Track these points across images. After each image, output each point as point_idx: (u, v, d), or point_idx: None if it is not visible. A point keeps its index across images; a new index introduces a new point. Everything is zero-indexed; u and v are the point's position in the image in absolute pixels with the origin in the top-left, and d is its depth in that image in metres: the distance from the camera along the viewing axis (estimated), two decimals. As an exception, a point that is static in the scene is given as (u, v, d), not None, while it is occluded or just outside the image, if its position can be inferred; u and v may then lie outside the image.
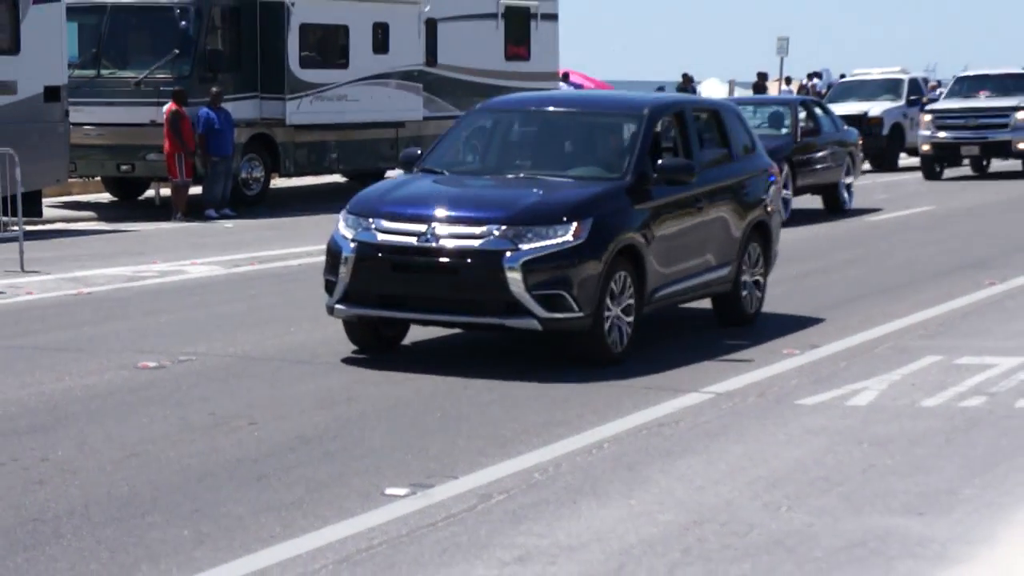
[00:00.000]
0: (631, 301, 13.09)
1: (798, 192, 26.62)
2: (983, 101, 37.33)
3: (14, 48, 25.23)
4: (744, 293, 15.11)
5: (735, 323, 15.16)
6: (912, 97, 41.37)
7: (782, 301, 17.02)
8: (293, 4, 29.81)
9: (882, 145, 39.49)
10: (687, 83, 53.66)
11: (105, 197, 31.23)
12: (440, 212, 12.90)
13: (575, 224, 12.65)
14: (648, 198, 13.58)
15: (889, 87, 42.34)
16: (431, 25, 33.48)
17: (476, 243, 12.61)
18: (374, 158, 32.88)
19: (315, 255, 21.67)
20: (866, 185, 34.23)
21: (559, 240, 12.58)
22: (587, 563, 7.78)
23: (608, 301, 12.80)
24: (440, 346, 14.16)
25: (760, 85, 57.58)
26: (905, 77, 43.43)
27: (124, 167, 28.99)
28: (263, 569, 7.65)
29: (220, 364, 13.23)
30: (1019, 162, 37.40)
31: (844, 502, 8.95)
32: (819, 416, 11.22)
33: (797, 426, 10.89)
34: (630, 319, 13.11)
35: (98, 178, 30.91)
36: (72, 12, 27.24)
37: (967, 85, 38.97)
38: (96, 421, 11.01)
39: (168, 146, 27.06)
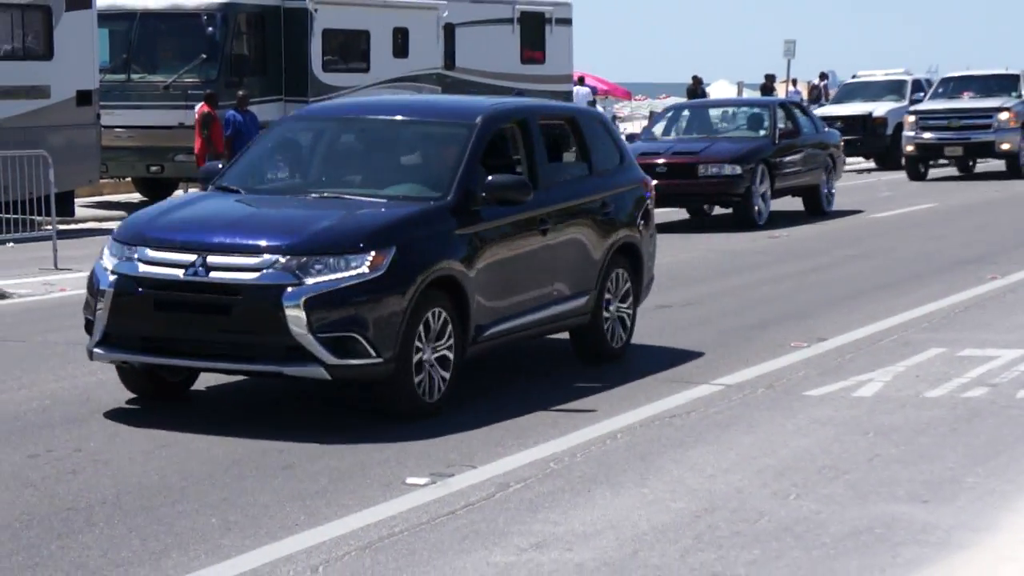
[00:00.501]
0: (452, 341, 10.90)
1: (777, 194, 25.77)
2: (967, 102, 36.52)
3: (48, 54, 25.32)
4: (607, 325, 12.84)
5: (595, 359, 12.90)
6: (915, 97, 41.19)
7: (790, 296, 17.01)
8: (316, 10, 29.85)
9: (886, 144, 39.22)
10: (697, 85, 53.57)
11: (135, 197, 31.27)
12: (215, 239, 10.69)
13: (373, 253, 10.43)
14: (475, 221, 11.32)
15: (893, 88, 42.22)
16: (449, 30, 33.54)
17: (252, 276, 10.36)
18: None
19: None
20: (871, 183, 34.29)
21: (352, 272, 10.36)
22: (602, 549, 7.77)
23: (418, 343, 10.57)
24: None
25: (768, 86, 57.47)
26: (908, 78, 43.33)
27: (153, 168, 29.09)
28: (288, 556, 7.64)
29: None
30: (1004, 162, 36.62)
31: (850, 490, 8.93)
32: (826, 407, 11.19)
33: (805, 416, 10.87)
34: (448, 365, 10.91)
35: (128, 179, 30.97)
36: (103, 19, 27.32)
37: (952, 86, 38.17)
38: (128, 413, 11.02)
39: (199, 146, 27.09)
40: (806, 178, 26.70)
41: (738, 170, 24.32)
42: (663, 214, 24.10)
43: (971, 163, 37.65)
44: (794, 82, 55.71)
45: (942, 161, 37.64)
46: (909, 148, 35.69)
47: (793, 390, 11.80)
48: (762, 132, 26.22)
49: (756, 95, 61.46)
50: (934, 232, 24.34)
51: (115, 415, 10.94)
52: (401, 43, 32.04)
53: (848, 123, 38.05)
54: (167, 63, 29.03)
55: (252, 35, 29.64)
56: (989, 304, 16.26)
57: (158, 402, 11.35)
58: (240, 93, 27.63)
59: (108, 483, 9.05)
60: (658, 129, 27.32)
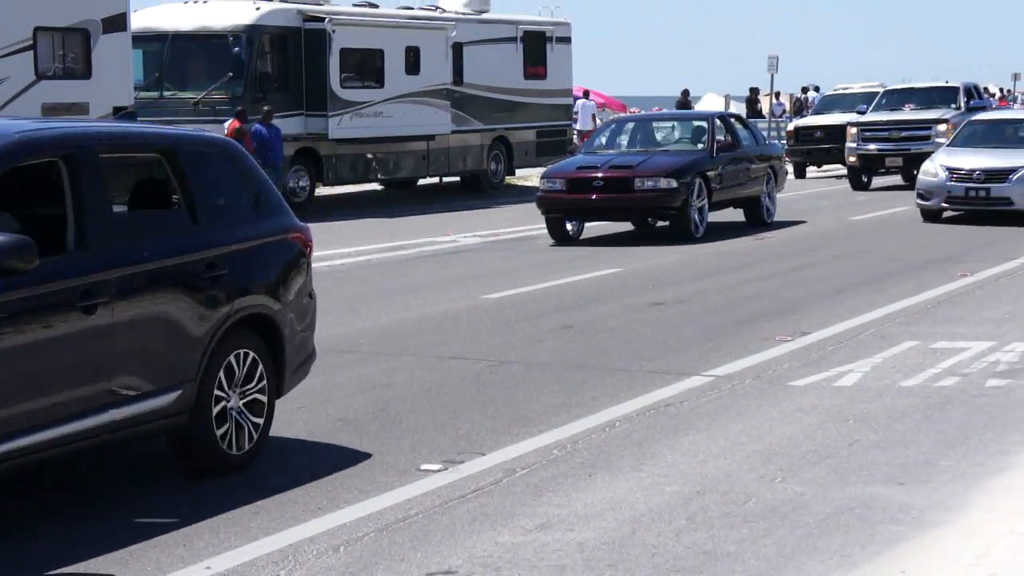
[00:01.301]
0: None
1: (716, 206, 24.25)
2: (907, 114, 34.88)
3: (87, 73, 25.35)
4: (220, 427, 8.84)
5: (205, 470, 8.94)
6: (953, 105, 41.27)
7: (775, 293, 17.00)
8: (334, 31, 29.86)
9: None
10: (686, 98, 53.56)
11: (168, 205, 31.23)
12: None
13: None
14: None
15: (868, 99, 42.20)
16: (457, 48, 33.57)
17: None
18: (408, 168, 32.99)
19: (354, 255, 21.83)
20: (833, 190, 34.20)
21: None
22: (602, 530, 7.78)
23: None
24: (467, 335, 14.14)
25: (752, 99, 57.39)
26: (882, 90, 43.37)
27: (184, 178, 29.05)
28: (312, 537, 7.65)
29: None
30: None
31: (832, 473, 8.93)
32: (809, 396, 11.19)
33: (789, 405, 10.87)
34: None
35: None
36: (137, 40, 27.33)
37: (894, 98, 36.61)
38: (161, 406, 11.01)
39: None
40: (746, 190, 25.37)
41: (674, 183, 22.70)
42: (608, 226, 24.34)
43: (915, 172, 36.10)
44: (777, 95, 55.72)
45: (884, 170, 35.70)
46: (852, 159, 34.29)
47: (778, 381, 11.80)
48: (700, 145, 24.71)
49: (742, 107, 61.52)
50: (908, 233, 24.34)
51: (150, 408, 10.94)
52: (413, 61, 32.06)
53: (827, 132, 37.93)
54: (197, 81, 29.03)
55: (275, 54, 29.64)
56: (959, 300, 16.26)
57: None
58: (265, 108, 27.65)
59: (143, 469, 9.05)
60: (600, 142, 25.79)
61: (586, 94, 50.81)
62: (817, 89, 57.84)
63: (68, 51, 25.24)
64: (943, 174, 24.78)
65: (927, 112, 34.43)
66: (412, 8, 34.25)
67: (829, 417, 10.47)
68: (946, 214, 25.28)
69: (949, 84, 37.06)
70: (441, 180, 36.34)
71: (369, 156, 31.55)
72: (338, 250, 22.35)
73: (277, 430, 10.06)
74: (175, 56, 29.09)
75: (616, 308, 15.97)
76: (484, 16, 35.30)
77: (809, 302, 16.17)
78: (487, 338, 14.04)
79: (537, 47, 36.54)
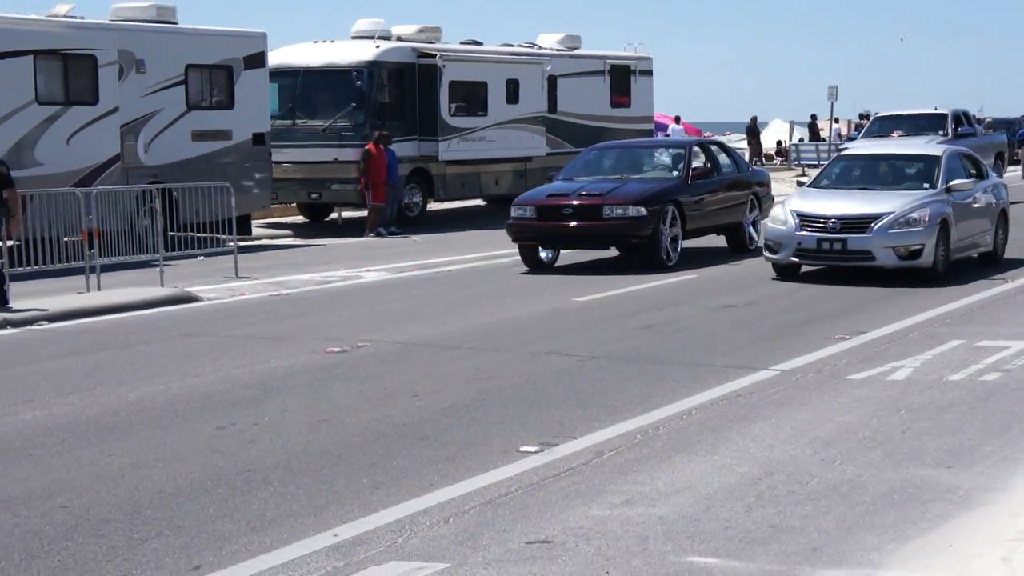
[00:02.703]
0: None
1: (692, 234, 21.28)
2: (895, 143, 30.86)
3: (230, 104, 25.68)
4: None
5: None
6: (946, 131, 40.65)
7: (834, 297, 16.84)
8: (444, 66, 29.99)
9: None
10: (754, 124, 53.30)
11: (299, 219, 31.57)
12: None
13: None
14: None
15: (934, 122, 41.75)
16: (552, 80, 33.62)
17: None
18: (508, 185, 33.04)
19: (461, 263, 21.89)
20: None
21: None
22: (680, 505, 7.74)
23: None
24: (560, 333, 14.13)
25: (813, 125, 56.98)
26: (948, 113, 42.89)
27: (314, 195, 29.36)
28: (425, 510, 7.67)
29: (390, 349, 13.31)
30: None
31: (886, 457, 8.83)
32: (865, 388, 11.08)
33: (847, 396, 10.76)
34: None
35: (294, 204, 31.27)
36: (273, 75, 27.63)
37: (883, 125, 32.97)
38: (294, 394, 11.13)
39: (365, 177, 27.30)
40: (726, 217, 22.42)
41: (643, 211, 19.86)
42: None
43: None
44: (836, 120, 55.21)
45: None
46: None
47: (838, 374, 11.69)
48: (675, 173, 21.60)
49: (805, 132, 61.01)
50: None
51: (286, 396, 11.06)
52: (513, 92, 32.12)
53: None
54: (324, 110, 29.25)
55: (392, 87, 29.80)
56: (1001, 303, 16.06)
57: (317, 385, 11.46)
58: (384, 134, 27.83)
59: (280, 450, 9.14)
60: (577, 169, 22.39)
61: (677, 119, 50.77)
62: (866, 117, 57.28)
63: (214, 85, 25.58)
64: (792, 221, 18.14)
65: (913, 139, 30.21)
66: (512, 45, 34.29)
67: (883, 407, 10.36)
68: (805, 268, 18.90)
69: (938, 111, 33.51)
70: (537, 197, 36.32)
71: (474, 176, 31.64)
72: (447, 258, 22.50)
73: (392, 416, 10.13)
74: (306, 88, 29.33)
75: (692, 309, 15.89)
76: (576, 52, 35.31)
77: (865, 305, 16.01)
78: (577, 336, 14.02)
79: (622, 79, 36.50)
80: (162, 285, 18.33)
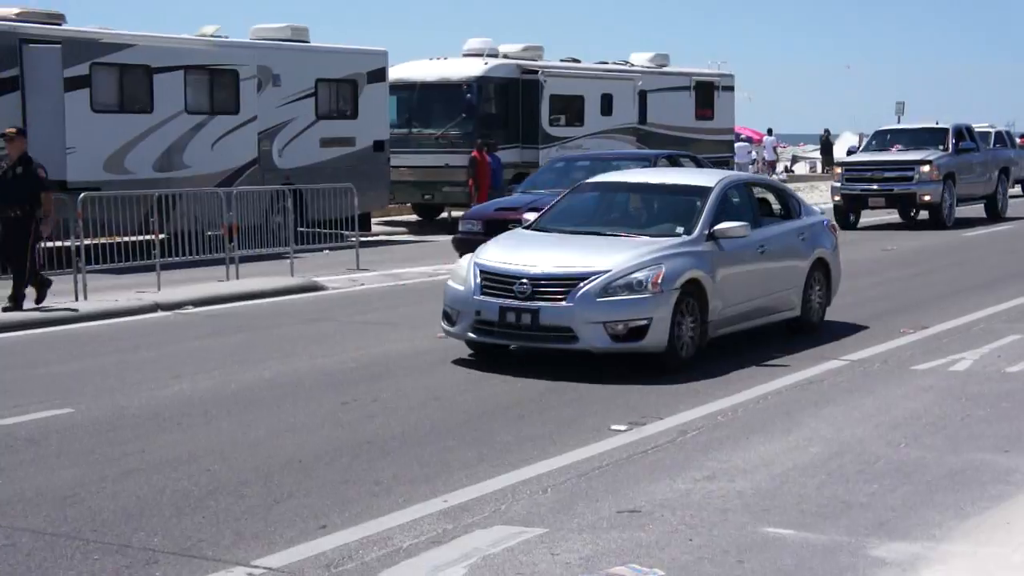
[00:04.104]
0: None
1: None
2: (893, 155, 28.36)
3: (354, 114, 25.91)
4: None
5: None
6: (997, 146, 39.74)
7: (900, 294, 16.60)
8: (545, 81, 29.98)
9: None
10: (827, 135, 52.62)
11: (414, 217, 31.75)
12: None
13: None
14: None
15: (980, 139, 40.85)
16: (642, 95, 33.47)
17: None
18: (601, 190, 32.93)
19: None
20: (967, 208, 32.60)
21: None
22: (757, 481, 7.68)
23: None
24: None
25: (826, 141, 55.93)
26: (992, 130, 42.02)
27: (427, 196, 29.50)
28: (525, 480, 7.69)
29: (494, 335, 13.30)
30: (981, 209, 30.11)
31: (948, 441, 8.69)
32: (929, 378, 10.90)
33: (912, 385, 10.60)
34: None
35: (409, 204, 31.45)
36: (393, 88, 27.83)
37: (883, 139, 29.96)
38: (408, 374, 11.19)
39: (472, 180, 27.36)
40: None
41: None
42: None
43: (912, 212, 28.77)
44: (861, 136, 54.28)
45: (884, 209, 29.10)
46: (836, 199, 28.33)
47: (903, 365, 11.52)
48: None
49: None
50: (1013, 246, 23.55)
51: (401, 376, 11.12)
52: (607, 105, 32.03)
53: None
54: (437, 120, 29.38)
55: (498, 99, 29.85)
56: (1055, 302, 15.70)
57: (428, 367, 11.51)
58: (490, 142, 27.89)
59: (396, 424, 9.20)
60: (538, 182, 19.86)
61: (770, 131, 50.30)
62: None
63: (341, 97, 25.81)
64: (473, 280, 11.38)
65: (912, 153, 28.12)
66: (607, 63, 34.16)
67: (945, 395, 10.19)
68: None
69: (939, 125, 30.28)
70: (628, 200, 36.17)
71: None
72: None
73: (494, 396, 10.13)
74: (421, 101, 29.49)
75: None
76: (664, 69, 35.11)
77: (928, 302, 15.76)
78: (664, 326, 13.95)
79: (706, 94, 36.26)
80: (292, 275, 18.55)
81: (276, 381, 10.87)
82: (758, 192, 13.55)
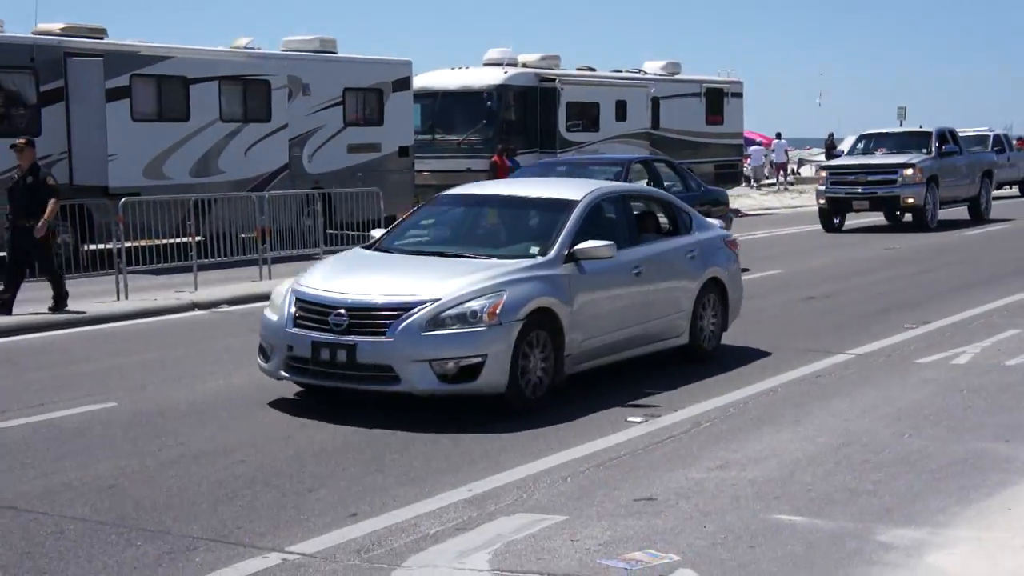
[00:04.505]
0: None
1: None
2: (878, 158, 27.51)
3: (380, 121, 25.90)
4: None
5: None
6: (996, 148, 39.55)
7: (903, 291, 16.53)
8: (562, 88, 29.95)
9: None
10: (831, 139, 52.41)
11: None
12: None
13: None
14: None
15: (979, 141, 40.68)
16: (655, 101, 33.41)
17: None
18: (616, 192, 32.92)
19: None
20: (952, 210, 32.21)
21: None
22: (767, 470, 7.66)
23: None
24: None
25: (831, 145, 55.57)
26: (991, 133, 41.87)
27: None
28: (546, 470, 7.69)
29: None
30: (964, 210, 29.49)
31: (950, 431, 8.65)
32: (931, 371, 10.86)
33: (915, 377, 10.56)
34: None
35: (433, 207, 31.38)
36: (417, 96, 27.81)
37: (869, 143, 29.09)
38: (434, 369, 11.14)
39: None
40: None
41: None
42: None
43: (897, 213, 27.88)
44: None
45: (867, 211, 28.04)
46: (821, 201, 27.35)
47: (906, 359, 11.47)
48: None
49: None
50: (1011, 244, 23.43)
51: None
52: (621, 111, 31.97)
53: None
54: (459, 127, 29.37)
55: (517, 106, 29.83)
56: (1053, 297, 15.62)
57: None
58: (509, 147, 27.88)
59: (421, 416, 9.16)
60: None
61: (778, 136, 50.11)
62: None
63: (367, 105, 25.81)
64: (287, 309, 9.54)
65: (896, 157, 27.30)
66: (621, 71, 34.12)
67: (947, 388, 10.15)
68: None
69: (923, 129, 29.36)
70: (641, 202, 36.14)
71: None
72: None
73: (520, 388, 10.11)
74: (444, 108, 29.49)
75: (776, 301, 15.69)
76: (676, 76, 35.05)
77: (930, 298, 15.69)
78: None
79: (716, 100, 36.18)
80: (323, 275, 18.53)
81: (308, 376, 10.86)
82: (642, 206, 11.47)
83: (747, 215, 34.18)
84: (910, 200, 26.57)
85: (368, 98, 25.82)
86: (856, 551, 6.13)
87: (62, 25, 21.29)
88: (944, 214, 28.21)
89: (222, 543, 6.30)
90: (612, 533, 6.40)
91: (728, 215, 19.15)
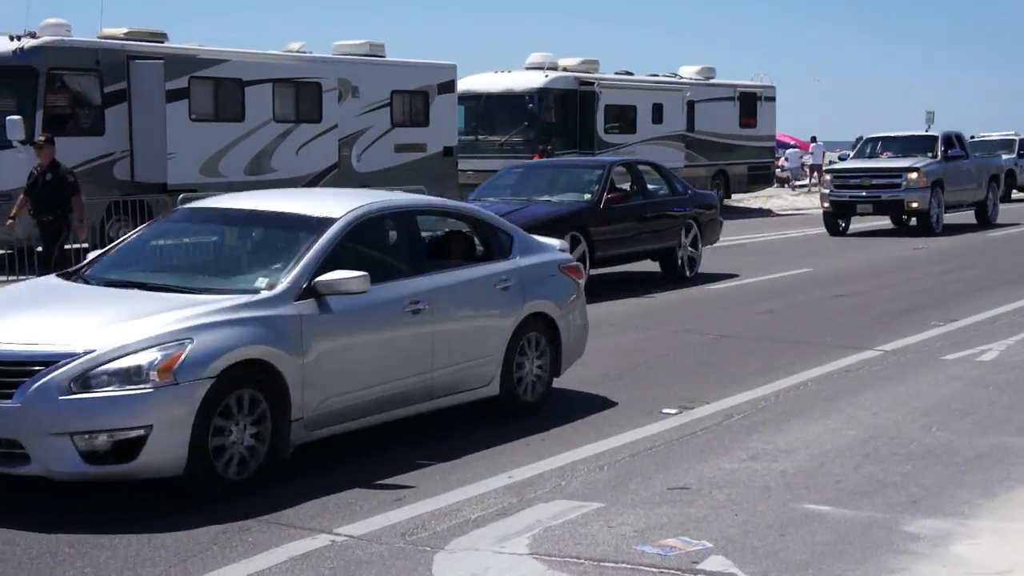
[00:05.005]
0: None
1: (606, 262, 16.05)
2: (882, 162, 26.30)
3: (426, 122, 25.95)
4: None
5: None
6: (1021, 152, 39.12)
7: (930, 289, 16.38)
8: (601, 92, 29.90)
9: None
10: (859, 142, 51.86)
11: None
12: None
13: None
14: None
15: (1003, 145, 40.24)
16: (690, 105, 33.29)
17: None
18: (652, 192, 32.85)
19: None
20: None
21: None
22: (798, 461, 7.61)
23: None
24: (695, 315, 13.99)
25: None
26: (1017, 137, 41.35)
27: (492, 198, 29.48)
28: (583, 459, 7.68)
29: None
30: (971, 214, 28.21)
31: (975, 426, 8.57)
32: (957, 367, 10.75)
33: (942, 374, 10.46)
34: None
35: (475, 205, 31.43)
36: (461, 99, 27.84)
37: (873, 146, 27.82)
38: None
39: None
40: (653, 243, 16.82)
41: None
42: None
43: (904, 217, 26.59)
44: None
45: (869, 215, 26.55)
46: (825, 205, 25.98)
47: (933, 355, 11.36)
48: (587, 196, 16.06)
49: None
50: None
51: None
52: (657, 114, 31.87)
53: None
54: (501, 128, 29.38)
55: (557, 109, 29.80)
56: (1077, 297, 15.42)
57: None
58: (548, 148, 27.85)
59: (464, 406, 9.18)
60: (488, 190, 17.00)
61: (813, 139, 49.75)
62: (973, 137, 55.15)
63: (413, 107, 25.86)
64: None
65: (901, 160, 25.98)
66: (658, 75, 34.00)
67: (973, 383, 10.04)
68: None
69: (929, 133, 28.16)
70: (676, 201, 36.01)
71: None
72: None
73: (559, 382, 10.11)
74: (487, 110, 29.51)
75: (808, 298, 15.60)
76: (711, 81, 34.90)
77: (958, 296, 15.53)
78: (710, 318, 13.89)
79: (750, 104, 36.00)
80: (370, 269, 18.53)
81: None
82: (439, 225, 9.38)
83: (779, 215, 34.04)
84: (914, 204, 25.36)
85: (414, 100, 25.86)
86: (884, 540, 6.09)
87: (125, 30, 21.50)
88: (951, 218, 27.30)
89: (274, 524, 6.34)
90: (647, 520, 6.39)
91: (717, 219, 18.24)
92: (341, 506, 6.66)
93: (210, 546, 6.01)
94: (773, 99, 37.29)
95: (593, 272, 15.82)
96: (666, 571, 5.65)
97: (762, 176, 36.59)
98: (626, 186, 16.78)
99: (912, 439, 8.17)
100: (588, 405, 9.24)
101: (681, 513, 6.52)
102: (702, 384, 10.04)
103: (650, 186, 17.24)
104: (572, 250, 13.33)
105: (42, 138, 14.63)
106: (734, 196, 37.09)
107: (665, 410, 9.05)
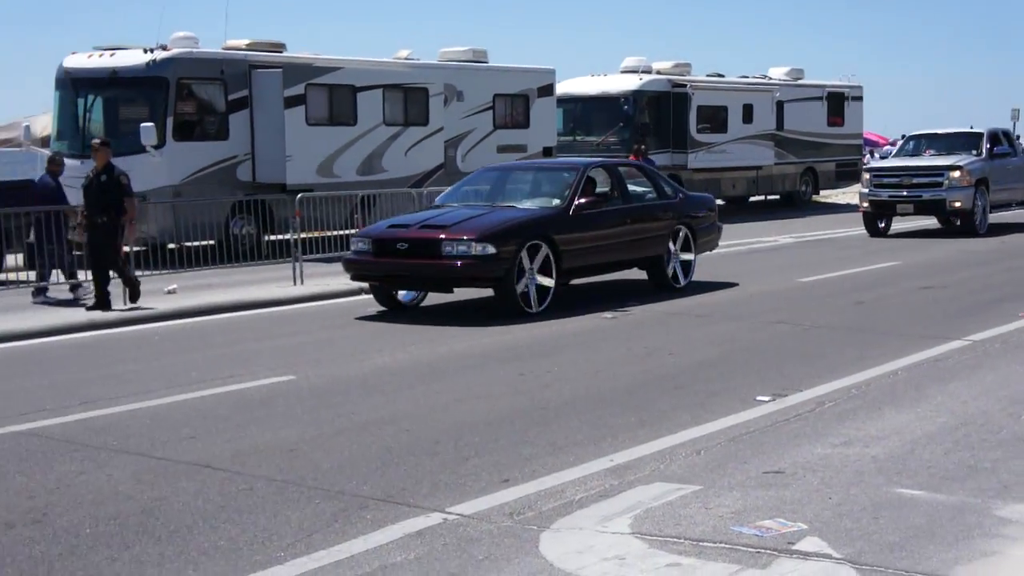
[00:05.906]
0: None
1: (576, 272, 14.08)
2: (924, 160, 24.06)
3: (526, 124, 26.01)
4: None
5: None
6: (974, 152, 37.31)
7: (1017, 282, 15.93)
8: (693, 93, 29.66)
9: None
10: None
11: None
12: None
13: None
14: None
15: None
16: (780, 105, 32.87)
17: None
18: (742, 189, 32.52)
19: (706, 249, 21.50)
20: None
21: None
22: (889, 447, 7.46)
23: None
24: (788, 307, 13.79)
25: None
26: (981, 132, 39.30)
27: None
28: (682, 443, 7.61)
29: (650, 316, 13.25)
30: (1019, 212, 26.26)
31: (1066, 415, 8.31)
32: (1046, 357, 10.44)
33: (1031, 363, 10.17)
34: None
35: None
36: (559, 102, 27.91)
37: (915, 144, 25.58)
38: (577, 349, 11.19)
39: None
40: (635, 252, 14.84)
41: (490, 249, 12.78)
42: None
43: (953, 219, 23.97)
44: (1017, 137, 51.62)
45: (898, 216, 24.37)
46: (864, 205, 23.99)
47: (1021, 345, 11.05)
48: (555, 201, 14.12)
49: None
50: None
51: (570, 350, 11.13)
52: (748, 114, 31.53)
53: None
54: (598, 129, 29.32)
55: (651, 110, 29.63)
56: None
57: (594, 343, 11.48)
58: (643, 147, 27.69)
59: (567, 393, 9.21)
60: (457, 194, 15.16)
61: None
62: None
63: (515, 109, 25.94)
64: None
65: (942, 158, 23.89)
66: (748, 77, 33.61)
67: (1062, 373, 9.74)
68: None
69: (974, 130, 25.39)
70: (766, 198, 35.61)
71: (716, 180, 31.19)
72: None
73: (653, 369, 10.07)
74: (584, 112, 29.46)
75: (896, 290, 15.28)
76: (799, 81, 34.41)
77: (1045, 288, 15.07)
78: (802, 309, 13.68)
79: (837, 103, 35.43)
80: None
81: (463, 354, 10.99)
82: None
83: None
84: (957, 204, 23.16)
85: (515, 103, 25.92)
86: (975, 524, 5.94)
87: (247, 41, 21.91)
88: (995, 218, 25.29)
89: (389, 503, 6.41)
90: (743, 502, 6.32)
91: (715, 224, 16.31)
92: (452, 487, 6.70)
93: (331, 522, 6.10)
94: (860, 99, 36.66)
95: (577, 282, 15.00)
96: (763, 551, 5.58)
97: (849, 173, 35.98)
98: (605, 190, 14.82)
99: (1002, 426, 7.96)
100: (684, 392, 9.16)
101: (776, 496, 6.44)
102: (795, 373, 9.90)
103: (637, 189, 15.33)
104: (535, 259, 13.23)
105: (97, 141, 14.49)
106: (822, 192, 36.54)
107: (759, 397, 8.94)
